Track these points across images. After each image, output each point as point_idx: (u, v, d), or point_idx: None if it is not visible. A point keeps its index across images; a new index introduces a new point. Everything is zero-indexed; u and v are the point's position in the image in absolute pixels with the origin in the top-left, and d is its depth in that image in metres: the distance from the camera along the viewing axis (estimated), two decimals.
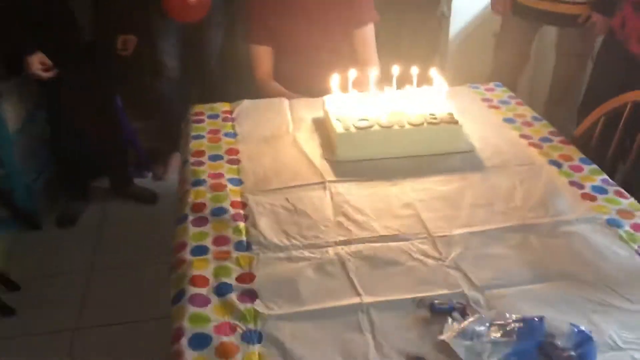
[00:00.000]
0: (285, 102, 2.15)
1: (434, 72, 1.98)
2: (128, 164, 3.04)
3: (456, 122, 1.83)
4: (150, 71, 2.94)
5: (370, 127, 1.79)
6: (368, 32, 2.45)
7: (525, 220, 1.54)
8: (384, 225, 1.52)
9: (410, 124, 1.80)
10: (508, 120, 2.02)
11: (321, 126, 1.95)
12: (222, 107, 2.12)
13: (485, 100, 2.16)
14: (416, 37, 3.11)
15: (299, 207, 1.58)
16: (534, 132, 1.96)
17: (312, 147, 1.86)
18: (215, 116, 2.06)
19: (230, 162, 1.79)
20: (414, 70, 1.99)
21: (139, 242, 2.62)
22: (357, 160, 1.79)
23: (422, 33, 3.15)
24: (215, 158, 1.81)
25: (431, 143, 1.83)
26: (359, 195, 1.64)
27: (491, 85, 2.28)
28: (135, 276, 2.44)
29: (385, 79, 2.19)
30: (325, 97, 1.96)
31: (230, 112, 2.09)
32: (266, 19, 2.36)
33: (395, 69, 1.98)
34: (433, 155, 1.82)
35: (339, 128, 1.79)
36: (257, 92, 2.42)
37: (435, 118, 1.83)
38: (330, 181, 1.70)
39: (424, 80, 1.95)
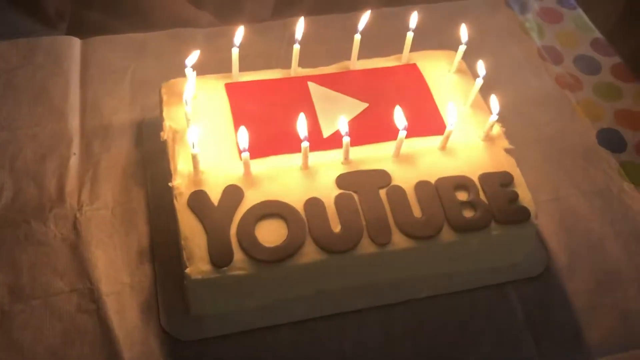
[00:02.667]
0: (71, 58, 0.85)
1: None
2: None
3: (525, 216, 0.67)
4: None
5: (291, 252, 0.61)
6: None
7: None
8: None
9: (405, 228, 0.64)
10: (607, 139, 0.87)
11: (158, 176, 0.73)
12: None
13: (547, 52, 0.96)
14: None
15: None
16: None
17: (120, 258, 0.67)
18: None
19: None
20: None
21: None
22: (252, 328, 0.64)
23: None
24: None
25: (459, 264, 0.69)
26: None
27: None
28: None
29: None
30: (166, 104, 0.70)
31: None
32: None
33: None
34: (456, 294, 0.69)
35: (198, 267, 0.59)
36: None
37: (474, 200, 0.66)
38: None
39: None
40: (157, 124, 0.71)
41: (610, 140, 0.86)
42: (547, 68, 0.93)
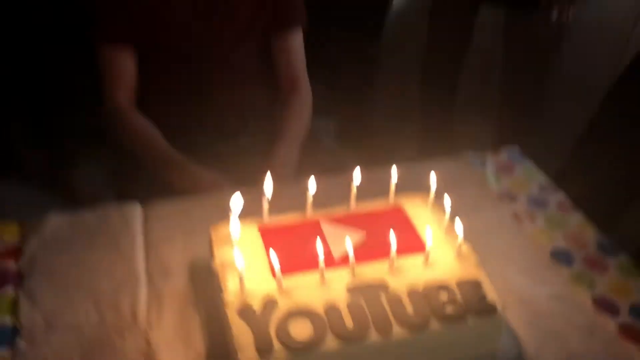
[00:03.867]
0: (135, 219, 1.11)
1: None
2: None
3: (493, 309, 0.88)
4: None
5: (316, 343, 0.81)
6: (294, 40, 1.45)
7: None
8: None
9: (402, 321, 0.83)
10: (559, 256, 1.09)
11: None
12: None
13: (503, 193, 1.22)
14: None
15: None
16: (617, 289, 1.04)
17: None
18: None
19: None
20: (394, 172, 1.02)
21: None
22: None
23: None
24: None
25: (446, 353, 0.87)
26: None
27: (504, 155, 1.33)
28: None
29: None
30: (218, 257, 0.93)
31: (16, 260, 1.01)
32: (127, 6, 1.33)
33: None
34: None
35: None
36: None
37: (452, 300, 0.86)
38: None
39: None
40: (206, 262, 0.94)
41: (563, 257, 1.08)
42: (505, 204, 1.18)
